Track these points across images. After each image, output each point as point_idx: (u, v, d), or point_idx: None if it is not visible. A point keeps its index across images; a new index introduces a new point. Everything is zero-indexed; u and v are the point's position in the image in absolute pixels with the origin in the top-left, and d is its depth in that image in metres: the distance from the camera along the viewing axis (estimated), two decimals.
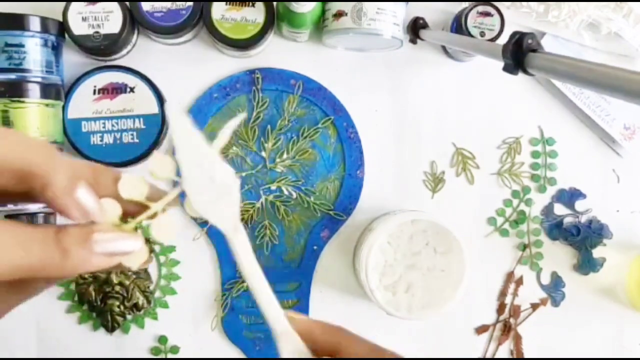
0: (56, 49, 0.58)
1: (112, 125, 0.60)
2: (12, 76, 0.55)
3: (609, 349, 0.67)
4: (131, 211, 0.29)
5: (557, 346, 0.67)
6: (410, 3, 0.62)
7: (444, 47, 0.65)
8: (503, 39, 0.49)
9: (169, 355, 0.63)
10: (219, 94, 0.63)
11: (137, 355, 0.63)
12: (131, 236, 0.28)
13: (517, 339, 0.66)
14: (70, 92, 0.60)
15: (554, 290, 0.67)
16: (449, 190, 0.66)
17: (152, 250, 0.63)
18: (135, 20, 0.59)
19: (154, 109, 0.61)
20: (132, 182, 0.28)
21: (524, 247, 0.66)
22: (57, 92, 0.57)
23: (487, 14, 0.60)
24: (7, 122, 0.55)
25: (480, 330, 0.66)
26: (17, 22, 0.54)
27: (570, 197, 0.67)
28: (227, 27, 0.59)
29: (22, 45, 0.55)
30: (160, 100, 0.61)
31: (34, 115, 0.56)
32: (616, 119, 0.65)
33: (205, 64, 0.63)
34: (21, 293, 0.29)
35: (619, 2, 0.63)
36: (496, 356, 0.66)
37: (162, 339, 0.63)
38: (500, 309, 0.66)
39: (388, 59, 0.65)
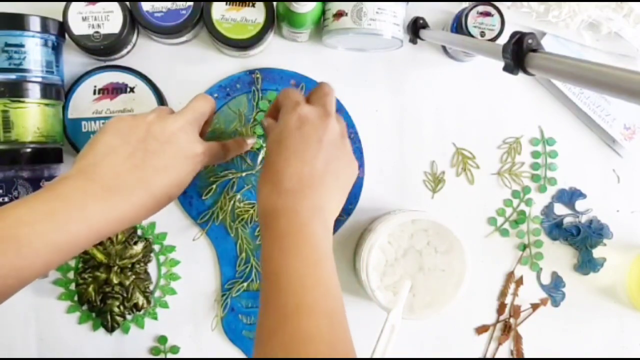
0: (56, 49, 0.58)
1: None
2: (12, 76, 0.55)
3: (609, 349, 0.67)
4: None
5: (557, 346, 0.67)
6: (410, 3, 0.62)
7: (444, 47, 0.65)
8: (503, 39, 0.49)
9: (169, 355, 0.63)
10: (219, 94, 0.63)
11: (137, 355, 0.63)
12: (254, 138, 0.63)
13: (518, 339, 0.66)
14: (71, 92, 0.60)
15: (554, 290, 0.67)
16: (449, 190, 0.66)
17: (152, 250, 0.63)
18: (135, 20, 0.59)
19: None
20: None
21: (524, 247, 0.66)
22: (57, 92, 0.57)
23: (487, 14, 0.60)
24: (7, 122, 0.55)
25: (481, 330, 0.66)
26: (17, 22, 0.54)
27: (570, 197, 0.67)
28: (227, 27, 0.59)
29: (22, 45, 0.55)
30: (161, 100, 0.61)
31: (34, 115, 0.56)
32: (616, 119, 0.65)
33: (205, 64, 0.63)
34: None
35: (619, 2, 0.63)
36: (496, 356, 0.66)
37: (162, 339, 0.63)
38: (501, 309, 0.66)
39: (388, 59, 0.65)
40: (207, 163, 0.53)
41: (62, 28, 0.57)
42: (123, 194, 0.46)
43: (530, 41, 0.41)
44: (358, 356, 0.43)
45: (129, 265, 0.61)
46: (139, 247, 0.62)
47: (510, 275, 0.66)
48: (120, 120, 0.49)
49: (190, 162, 0.50)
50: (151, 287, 0.63)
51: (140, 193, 0.47)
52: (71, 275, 0.62)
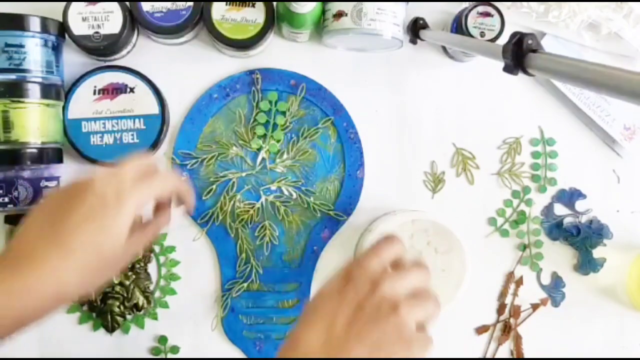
0: (56, 49, 0.58)
1: (112, 126, 0.60)
2: (12, 76, 0.55)
3: (609, 349, 0.67)
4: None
5: (557, 346, 0.67)
6: (410, 3, 0.62)
7: (444, 47, 0.65)
8: (503, 39, 0.49)
9: (169, 355, 0.63)
10: (218, 94, 0.63)
11: (137, 355, 0.63)
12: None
13: (517, 339, 0.66)
14: (71, 92, 0.60)
15: (554, 290, 0.67)
16: (449, 190, 0.66)
17: (152, 251, 0.63)
18: (135, 20, 0.59)
19: (154, 109, 0.61)
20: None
21: (524, 247, 0.66)
22: (57, 92, 0.57)
23: (487, 14, 0.60)
24: (7, 122, 0.55)
25: (481, 330, 0.66)
26: (17, 23, 0.54)
27: (570, 197, 0.67)
28: (227, 27, 0.59)
29: (22, 46, 0.55)
30: (161, 100, 0.61)
31: (34, 116, 0.56)
32: (616, 119, 0.65)
33: (205, 64, 0.63)
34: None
35: (619, 2, 0.63)
36: (496, 356, 0.66)
37: (162, 339, 0.63)
38: (501, 309, 0.66)
39: (388, 59, 0.65)
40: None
41: (62, 28, 0.57)
42: (35, 260, 0.41)
43: (530, 41, 0.41)
44: None
45: (129, 266, 0.61)
46: None
47: (510, 275, 0.66)
48: (48, 195, 0.47)
49: (113, 207, 0.43)
50: (151, 287, 0.63)
51: (55, 256, 0.42)
52: None
